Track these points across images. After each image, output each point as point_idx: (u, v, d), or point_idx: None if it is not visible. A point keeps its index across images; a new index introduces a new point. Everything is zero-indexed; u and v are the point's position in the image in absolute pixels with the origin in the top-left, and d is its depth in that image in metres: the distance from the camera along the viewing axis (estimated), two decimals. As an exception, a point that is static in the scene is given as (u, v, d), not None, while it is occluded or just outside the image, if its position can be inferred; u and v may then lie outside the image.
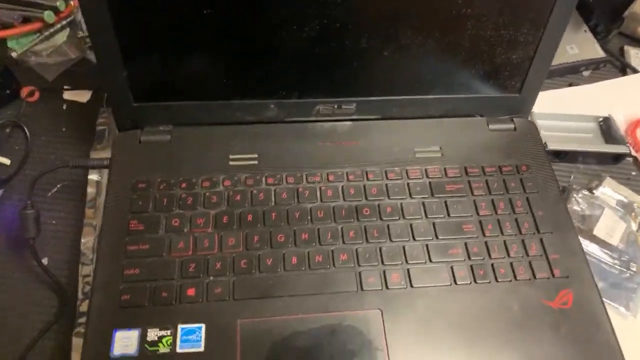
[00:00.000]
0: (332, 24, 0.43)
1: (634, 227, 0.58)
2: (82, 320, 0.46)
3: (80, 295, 0.48)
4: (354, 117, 0.50)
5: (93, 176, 0.54)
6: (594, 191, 0.60)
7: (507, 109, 0.52)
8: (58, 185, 0.55)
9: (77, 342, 0.46)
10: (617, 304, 0.52)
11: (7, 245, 0.51)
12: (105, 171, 0.54)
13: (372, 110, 0.50)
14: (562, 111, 0.64)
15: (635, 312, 0.52)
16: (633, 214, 0.59)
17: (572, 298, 0.43)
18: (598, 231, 0.56)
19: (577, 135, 0.64)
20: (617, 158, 0.62)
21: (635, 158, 0.63)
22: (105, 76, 0.45)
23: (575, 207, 0.57)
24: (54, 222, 0.53)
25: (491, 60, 0.48)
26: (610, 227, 0.57)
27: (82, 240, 0.51)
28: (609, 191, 0.60)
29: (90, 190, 0.54)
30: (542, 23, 0.46)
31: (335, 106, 0.49)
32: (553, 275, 0.44)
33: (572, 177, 0.62)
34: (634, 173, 0.62)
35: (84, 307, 0.47)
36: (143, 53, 0.44)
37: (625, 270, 0.55)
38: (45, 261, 0.49)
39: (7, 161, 0.56)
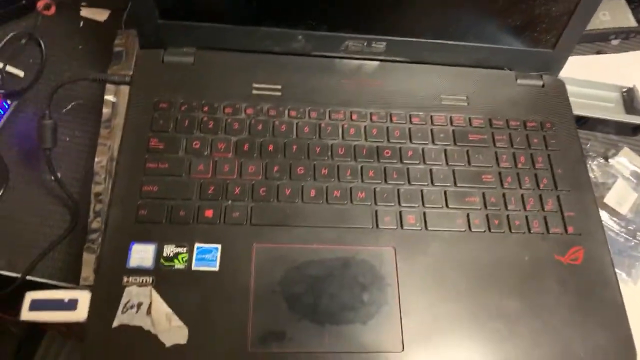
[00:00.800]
0: (371, -45, 0.42)
1: (645, 198, 0.58)
2: (93, 236, 0.47)
3: (91, 213, 0.48)
4: (383, 57, 0.49)
5: (109, 96, 0.53)
6: (609, 160, 0.59)
7: (538, 64, 0.51)
8: (73, 103, 0.54)
9: (87, 257, 0.46)
10: (620, 270, 0.53)
11: (21, 157, 0.51)
12: (122, 93, 0.53)
13: (402, 51, 0.49)
14: (587, 78, 0.63)
15: (636, 280, 0.53)
16: (645, 185, 0.59)
17: (583, 255, 0.43)
18: (609, 199, 0.56)
19: (598, 103, 0.63)
20: (636, 129, 0.62)
21: (655, 131, 0.63)
22: (133, -13, 0.43)
23: (589, 174, 0.57)
24: (67, 139, 0.52)
25: (530, 11, 0.46)
26: (621, 196, 0.57)
27: (96, 159, 0.50)
28: (625, 161, 0.60)
29: (106, 110, 0.53)
30: (588, -26, 0.44)
31: (365, 43, 0.48)
32: (566, 232, 0.44)
33: (589, 144, 0.61)
34: (651, 146, 0.62)
35: (95, 224, 0.47)
36: (173, -34, 0.42)
37: (630, 239, 0.56)
38: (58, 175, 0.49)
39: (20, 73, 0.55)
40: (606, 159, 0.60)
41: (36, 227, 0.48)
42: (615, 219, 0.57)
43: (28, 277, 0.46)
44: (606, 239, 0.45)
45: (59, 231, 0.48)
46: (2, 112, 0.51)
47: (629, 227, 0.56)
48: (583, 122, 0.61)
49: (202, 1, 0.45)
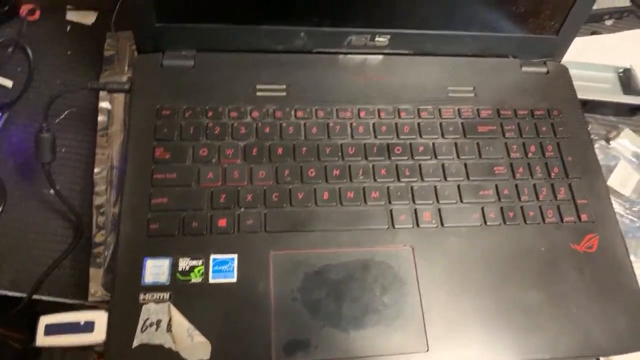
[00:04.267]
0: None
1: (648, 178, 0.58)
2: (98, 250, 0.45)
3: (94, 227, 0.47)
4: (387, 50, 0.48)
5: (104, 104, 0.52)
6: (610, 142, 0.60)
7: (542, 51, 0.51)
8: (67, 111, 0.52)
9: (93, 272, 0.45)
10: (627, 251, 0.54)
11: (17, 171, 0.49)
12: (116, 100, 0.51)
13: (406, 44, 0.48)
14: (583, 60, 0.62)
15: (643, 260, 0.53)
16: (647, 165, 0.59)
17: (597, 242, 0.43)
18: (612, 181, 0.56)
19: (596, 85, 0.63)
20: (635, 110, 0.62)
21: (652, 111, 0.63)
22: (127, -10, 0.41)
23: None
24: (63, 149, 0.50)
25: (533, -2, 0.46)
26: (624, 178, 0.57)
27: (95, 170, 0.49)
28: (627, 142, 0.60)
29: (102, 118, 0.51)
30: (592, -41, 0.44)
31: (368, 37, 0.47)
32: (580, 220, 0.44)
33: (589, 127, 0.61)
34: (650, 126, 0.62)
35: (98, 237, 0.46)
36: (169, -33, 0.41)
37: (636, 220, 0.56)
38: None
39: (8, 83, 0.53)
40: (607, 141, 0.60)
41: (38, 244, 0.46)
42: (619, 200, 0.57)
43: (34, 296, 0.44)
44: (618, 224, 0.45)
45: (63, 246, 0.46)
46: (-7, 126, 0.49)
47: (634, 209, 0.57)
48: (582, 104, 0.61)
49: (200, 2, 0.43)
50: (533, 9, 0.47)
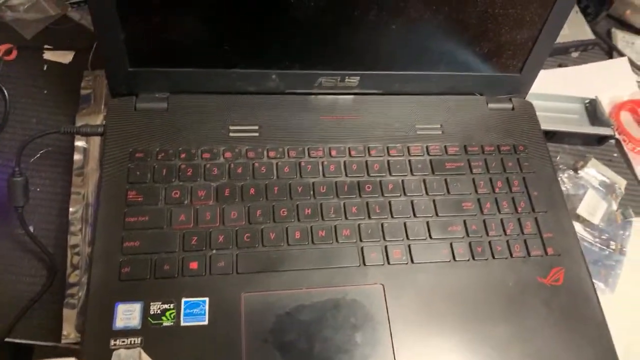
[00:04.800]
0: (339, -6, 0.42)
1: (614, 207, 0.60)
2: (72, 290, 0.45)
3: (68, 267, 0.47)
4: (357, 91, 0.50)
5: (80, 143, 0.52)
6: (579, 171, 0.61)
7: (507, 88, 0.53)
8: (41, 151, 0.52)
9: (67, 313, 0.44)
10: (597, 280, 0.55)
11: (-10, 212, 0.49)
12: (92, 138, 0.52)
13: (375, 84, 0.50)
14: (550, 91, 0.65)
15: (613, 288, 0.55)
16: (614, 194, 0.61)
17: (563, 275, 0.45)
18: (581, 210, 0.58)
19: (563, 115, 0.65)
20: (602, 140, 0.64)
21: (617, 140, 0.65)
22: (100, 38, 0.42)
23: (561, 187, 0.59)
24: (38, 189, 0.50)
25: (496, 39, 0.48)
26: (592, 206, 0.59)
27: (71, 210, 0.49)
28: (593, 172, 0.62)
29: (77, 157, 0.51)
30: (549, 3, 0.46)
31: (338, 79, 0.48)
32: (546, 253, 0.45)
33: (558, 157, 0.63)
34: (615, 155, 0.65)
35: (73, 277, 0.46)
36: (141, 15, 0.42)
37: (605, 248, 0.58)
38: (30, 230, 0.47)
39: (-16, 124, 0.53)
40: (575, 170, 0.62)
41: (12, 285, 0.46)
42: (588, 229, 0.58)
43: (7, 339, 0.44)
44: (583, 256, 0.46)
45: (36, 287, 0.46)
46: (-34, 167, 0.49)
47: (602, 237, 0.58)
48: (552, 135, 0.63)
49: (173, 46, 0.44)
50: (496, 49, 0.49)
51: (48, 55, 0.59)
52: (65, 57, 0.59)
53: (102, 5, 0.40)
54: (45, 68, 0.58)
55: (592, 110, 0.65)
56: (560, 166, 0.61)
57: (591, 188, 0.60)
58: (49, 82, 0.57)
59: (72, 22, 0.61)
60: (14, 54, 0.58)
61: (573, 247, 0.46)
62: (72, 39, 0.59)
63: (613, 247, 0.58)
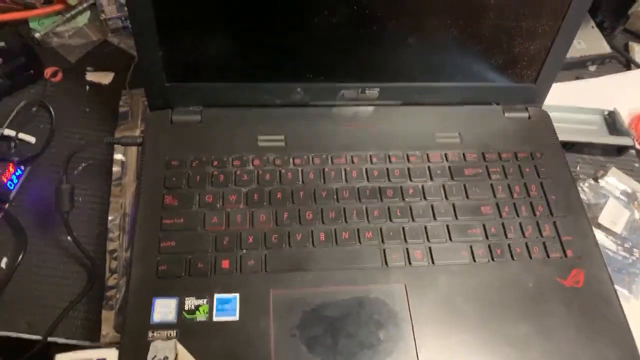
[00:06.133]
0: (360, 11, 0.45)
1: (637, 215, 0.60)
2: (111, 293, 0.48)
3: (107, 271, 0.50)
4: (377, 102, 0.52)
5: (118, 156, 0.56)
6: (599, 180, 0.62)
7: (523, 98, 0.55)
8: (84, 164, 0.56)
9: (106, 314, 0.47)
10: (621, 287, 0.55)
11: (36, 220, 0.52)
12: (130, 151, 0.56)
13: (394, 95, 0.52)
14: (569, 103, 0.66)
15: (637, 295, 0.55)
16: (636, 202, 0.61)
17: (584, 277, 0.45)
18: (603, 219, 0.58)
19: (583, 127, 0.66)
20: (621, 150, 0.65)
21: (637, 150, 0.66)
22: (141, 56, 0.46)
23: (582, 196, 0.60)
24: (80, 199, 0.54)
25: (510, 51, 0.50)
26: (614, 215, 0.59)
27: (109, 218, 0.52)
28: (614, 181, 0.62)
29: (116, 169, 0.55)
30: (560, 15, 0.48)
31: (359, 90, 0.51)
32: (566, 255, 0.46)
33: (578, 167, 0.64)
34: (636, 164, 0.65)
35: (111, 281, 0.49)
36: (178, 34, 0.46)
37: (628, 256, 0.58)
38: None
39: (32, 139, 0.57)
40: (596, 179, 0.62)
41: (54, 288, 0.49)
42: (611, 237, 0.59)
43: (49, 339, 0.47)
44: (604, 260, 0.47)
45: (77, 290, 0.49)
46: (16, 179, 0.53)
47: (625, 245, 0.58)
48: (570, 146, 0.64)
49: (206, 63, 0.48)
50: (511, 60, 0.51)
51: (90, 76, 0.63)
52: (105, 78, 0.63)
53: (144, 28, 0.44)
54: (87, 88, 0.63)
55: (612, 121, 0.66)
56: (581, 175, 0.62)
57: (612, 197, 0.60)
58: (90, 101, 0.62)
59: (111, 46, 0.66)
60: (59, 76, 0.63)
61: (593, 250, 0.47)
62: (112, 61, 0.64)
63: (636, 254, 0.58)
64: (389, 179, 0.49)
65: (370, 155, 0.50)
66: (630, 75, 0.72)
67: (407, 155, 0.50)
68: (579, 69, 0.73)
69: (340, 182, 0.48)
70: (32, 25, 0.65)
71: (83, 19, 0.67)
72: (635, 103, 0.69)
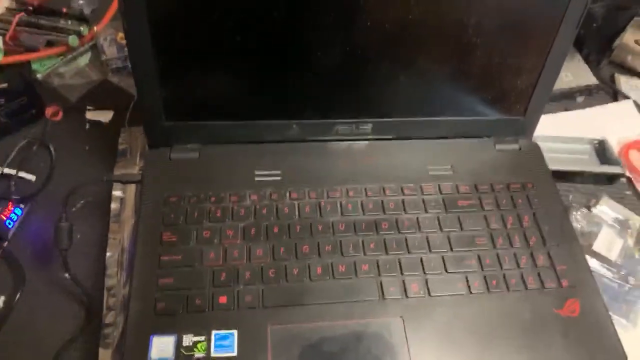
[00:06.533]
0: (353, 51, 0.47)
1: (630, 242, 0.61)
2: (108, 330, 0.48)
3: (105, 307, 0.49)
4: (371, 136, 0.54)
5: (117, 192, 0.56)
6: (592, 209, 0.63)
7: (513, 130, 0.56)
8: (82, 201, 0.57)
9: (103, 353, 0.47)
10: (618, 316, 0.55)
11: (34, 258, 0.52)
12: (129, 188, 0.56)
13: (388, 130, 0.54)
14: (559, 134, 0.67)
15: (635, 323, 0.55)
16: (629, 230, 0.62)
17: (579, 306, 0.46)
18: (597, 247, 0.59)
19: (574, 156, 0.67)
20: (612, 178, 0.66)
21: (628, 178, 0.67)
22: (140, 95, 0.48)
23: (575, 224, 0.61)
24: (78, 236, 0.54)
25: (499, 86, 0.52)
26: (608, 243, 0.60)
27: (107, 254, 0.52)
28: (606, 209, 0.63)
29: (114, 205, 0.56)
30: (544, 52, 0.50)
31: (354, 126, 0.52)
32: (561, 285, 0.47)
33: (571, 196, 0.65)
34: (627, 192, 0.66)
35: (109, 318, 0.49)
36: (177, 75, 0.47)
37: (624, 283, 0.58)
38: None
39: (32, 177, 0.58)
40: (589, 208, 0.63)
41: (51, 326, 0.49)
42: (606, 265, 0.59)
43: (45, 377, 0.46)
44: (598, 289, 0.47)
45: (75, 328, 0.49)
46: (15, 217, 0.54)
47: (621, 272, 0.59)
48: (563, 175, 0.65)
49: (204, 102, 0.50)
50: (500, 95, 0.53)
51: (90, 115, 0.65)
52: (105, 116, 0.65)
53: (143, 69, 0.46)
54: (87, 126, 0.64)
55: (601, 150, 0.67)
56: (574, 204, 0.63)
57: (605, 225, 0.61)
58: (90, 138, 0.63)
59: (111, 85, 0.67)
60: (60, 115, 0.64)
61: (587, 279, 0.48)
62: (112, 100, 0.66)
63: (632, 282, 0.58)
64: (384, 212, 0.49)
65: (366, 189, 0.51)
66: (617, 106, 0.74)
67: (402, 188, 0.51)
68: (568, 100, 0.74)
69: (336, 216, 0.49)
70: (34, 66, 0.67)
71: (84, 60, 0.69)
72: (623, 132, 0.70)
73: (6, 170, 0.57)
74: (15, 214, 0.54)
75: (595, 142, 0.68)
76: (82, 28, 0.68)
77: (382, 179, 0.52)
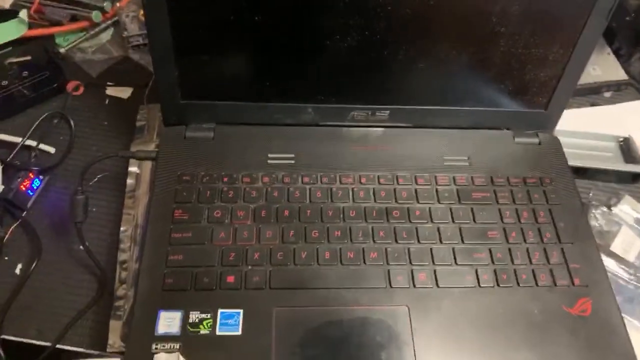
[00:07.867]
0: (372, 36, 0.46)
1: (650, 244, 0.59)
2: (119, 303, 0.49)
3: (117, 280, 0.50)
4: (387, 124, 0.53)
5: (133, 168, 0.57)
6: (612, 208, 0.61)
7: (533, 123, 0.55)
8: (99, 175, 0.58)
9: (113, 324, 0.48)
10: (633, 318, 0.54)
11: (51, 229, 0.54)
12: (144, 164, 0.57)
13: (404, 118, 0.53)
14: (583, 129, 0.66)
15: (649, 326, 0.54)
16: (650, 232, 0.60)
17: (591, 306, 0.45)
18: (615, 247, 0.57)
19: (597, 153, 0.65)
20: (636, 177, 0.64)
21: (653, 178, 0.65)
22: (158, 74, 0.48)
23: (594, 223, 0.59)
24: (94, 209, 0.55)
25: (521, 77, 0.50)
26: (627, 243, 0.58)
27: (121, 229, 0.53)
28: (628, 209, 0.61)
29: (130, 181, 0.56)
30: (571, 43, 0.48)
31: (370, 113, 0.52)
32: (573, 284, 0.46)
33: (590, 193, 0.63)
34: (652, 192, 0.64)
35: (120, 291, 0.50)
36: (194, 54, 0.47)
37: (640, 285, 0.57)
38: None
39: (51, 150, 0.59)
40: (609, 207, 0.61)
41: (65, 296, 0.50)
42: (623, 266, 0.58)
43: (58, 346, 0.47)
44: (612, 289, 0.46)
45: (87, 299, 0.50)
46: (35, 188, 0.55)
47: (638, 274, 0.57)
48: (583, 172, 0.63)
49: (220, 82, 0.49)
50: (521, 86, 0.52)
51: (110, 91, 0.65)
52: (124, 92, 0.65)
53: (161, 48, 0.46)
54: (107, 102, 0.65)
55: (626, 148, 0.65)
56: (593, 202, 0.61)
57: (625, 225, 0.59)
58: (109, 114, 0.63)
59: (132, 62, 0.68)
60: (81, 90, 0.65)
61: (601, 279, 0.47)
62: (132, 77, 0.66)
63: (648, 284, 0.57)
64: (396, 200, 0.49)
65: (378, 176, 0.50)
66: (646, 103, 0.71)
67: (415, 177, 0.50)
68: (594, 95, 0.72)
69: (347, 202, 0.48)
70: (57, 40, 0.68)
71: (106, 36, 0.70)
72: (651, 131, 0.68)
73: (28, 142, 0.58)
74: (35, 185, 0.55)
75: (621, 139, 0.66)
76: (105, 4, 0.68)
77: (396, 167, 0.51)
